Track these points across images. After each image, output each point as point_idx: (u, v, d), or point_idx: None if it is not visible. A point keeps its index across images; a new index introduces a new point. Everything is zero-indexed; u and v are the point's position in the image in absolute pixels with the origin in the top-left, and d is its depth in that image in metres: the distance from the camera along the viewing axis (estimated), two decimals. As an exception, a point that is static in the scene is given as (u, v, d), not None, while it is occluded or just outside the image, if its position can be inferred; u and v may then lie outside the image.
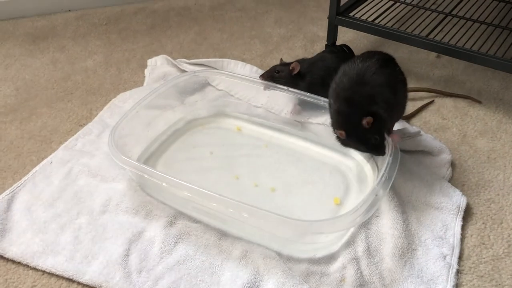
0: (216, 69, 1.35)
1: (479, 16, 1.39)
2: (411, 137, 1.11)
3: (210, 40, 1.56)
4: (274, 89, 1.14)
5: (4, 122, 1.21)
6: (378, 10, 1.40)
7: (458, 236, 0.93)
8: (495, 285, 0.86)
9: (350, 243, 0.90)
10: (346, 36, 1.55)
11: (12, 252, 0.89)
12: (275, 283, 0.83)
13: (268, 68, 1.19)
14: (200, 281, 0.84)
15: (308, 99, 1.11)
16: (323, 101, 1.09)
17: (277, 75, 1.15)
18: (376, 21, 1.35)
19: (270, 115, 1.19)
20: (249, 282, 0.84)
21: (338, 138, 0.97)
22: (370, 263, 0.87)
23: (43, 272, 0.87)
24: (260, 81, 1.15)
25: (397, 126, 1.09)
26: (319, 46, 1.51)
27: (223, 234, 0.92)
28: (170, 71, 1.36)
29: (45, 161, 1.07)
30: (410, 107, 1.24)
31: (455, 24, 1.38)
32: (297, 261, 0.88)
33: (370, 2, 1.44)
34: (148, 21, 1.67)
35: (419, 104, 1.27)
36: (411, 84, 1.14)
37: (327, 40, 1.42)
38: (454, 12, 1.43)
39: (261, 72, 1.20)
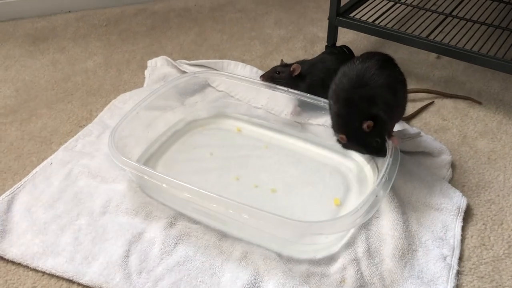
0: (216, 70, 1.35)
1: (479, 17, 1.39)
2: (411, 138, 1.11)
3: (210, 41, 1.56)
4: (274, 89, 1.14)
5: (4, 123, 1.21)
6: (378, 11, 1.40)
7: (458, 237, 0.93)
8: (496, 286, 0.86)
9: (350, 244, 0.90)
10: (346, 37, 1.55)
11: (12, 253, 0.89)
12: (275, 284, 0.83)
13: (268, 69, 1.19)
14: (200, 282, 0.84)
15: (308, 100, 1.11)
16: (323, 102, 1.09)
17: (277, 76, 1.16)
18: (376, 22, 1.35)
19: (270, 116, 1.19)
20: (249, 283, 0.83)
21: (339, 141, 0.97)
22: (371, 264, 0.87)
23: (43, 273, 0.87)
24: (260, 82, 1.16)
25: (397, 127, 1.09)
26: (319, 47, 1.51)
27: (223, 235, 0.92)
28: (170, 72, 1.36)
29: (45, 162, 1.07)
30: (410, 108, 1.24)
31: (455, 25, 1.38)
32: (297, 262, 0.88)
33: (370, 3, 1.44)
34: (148, 22, 1.67)
35: (419, 105, 1.27)
36: (411, 85, 1.14)
37: (327, 41, 1.42)
38: (454, 13, 1.43)
39: (261, 73, 1.20)
